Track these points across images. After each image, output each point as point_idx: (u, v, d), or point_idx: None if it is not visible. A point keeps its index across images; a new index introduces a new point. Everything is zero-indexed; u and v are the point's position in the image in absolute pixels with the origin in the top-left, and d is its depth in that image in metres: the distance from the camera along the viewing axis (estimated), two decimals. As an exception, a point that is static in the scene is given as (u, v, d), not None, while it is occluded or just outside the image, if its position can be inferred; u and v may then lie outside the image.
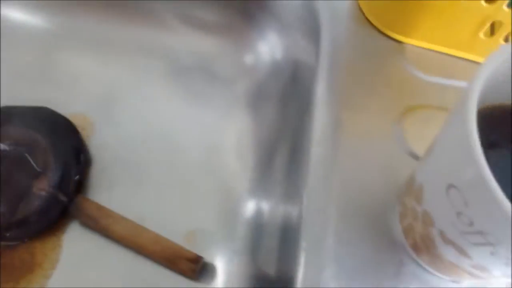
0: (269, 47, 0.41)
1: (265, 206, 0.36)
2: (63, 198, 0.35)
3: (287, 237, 0.32)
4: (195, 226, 0.37)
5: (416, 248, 0.26)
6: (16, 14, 0.44)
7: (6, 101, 0.39)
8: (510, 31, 0.31)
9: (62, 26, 0.44)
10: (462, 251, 0.21)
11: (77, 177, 0.37)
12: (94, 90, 0.42)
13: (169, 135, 0.40)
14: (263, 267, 0.34)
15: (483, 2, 0.29)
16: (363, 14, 0.34)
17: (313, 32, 0.35)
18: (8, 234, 0.35)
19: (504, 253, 0.18)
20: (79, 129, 0.40)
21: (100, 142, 0.40)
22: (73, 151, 0.37)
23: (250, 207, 0.37)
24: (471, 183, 0.18)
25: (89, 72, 0.43)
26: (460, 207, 0.19)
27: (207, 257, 0.36)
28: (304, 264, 0.27)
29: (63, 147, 0.37)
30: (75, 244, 0.36)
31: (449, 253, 0.23)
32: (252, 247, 0.35)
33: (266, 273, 0.33)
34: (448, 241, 0.22)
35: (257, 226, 0.36)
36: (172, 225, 0.37)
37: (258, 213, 0.37)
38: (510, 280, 0.26)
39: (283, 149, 0.37)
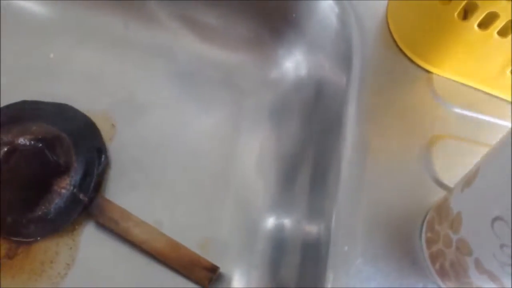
0: (295, 64, 0.42)
1: (286, 222, 0.37)
2: (83, 197, 0.35)
3: (309, 254, 0.32)
4: (211, 235, 0.38)
5: (443, 273, 0.27)
6: (41, 9, 0.44)
7: (24, 96, 0.39)
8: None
9: (85, 24, 0.44)
10: (495, 278, 0.22)
11: (97, 177, 0.37)
12: (116, 91, 0.42)
13: (190, 142, 0.41)
14: (283, 283, 0.34)
15: (515, 42, 0.31)
16: (394, 41, 0.35)
17: (344, 54, 0.36)
18: (26, 231, 0.34)
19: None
20: (102, 129, 0.40)
21: (120, 143, 0.40)
22: (95, 151, 0.37)
23: (270, 221, 0.38)
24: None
25: (112, 72, 0.43)
26: (505, 239, 0.20)
27: (222, 267, 0.36)
28: (332, 282, 0.28)
29: (85, 147, 0.37)
30: (91, 245, 0.36)
31: (481, 282, 0.23)
32: (271, 262, 0.36)
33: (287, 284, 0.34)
34: (483, 270, 0.23)
35: (277, 242, 0.36)
36: (188, 232, 0.37)
37: (279, 229, 0.37)
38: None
39: (305, 166, 0.37)
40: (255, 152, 0.40)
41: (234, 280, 0.36)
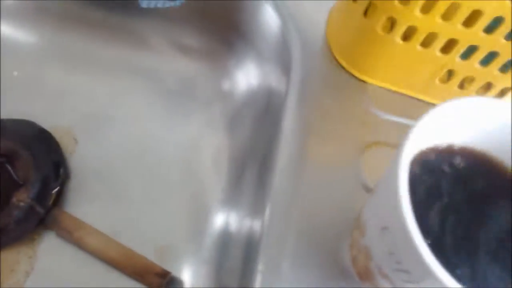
0: (245, 74, 0.43)
1: (233, 221, 0.39)
2: (40, 209, 0.37)
3: (250, 253, 0.34)
4: (166, 241, 0.39)
5: (361, 276, 0.28)
6: (5, 29, 0.45)
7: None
8: (463, 78, 0.34)
9: (51, 42, 0.46)
10: (394, 283, 0.23)
11: (56, 190, 0.39)
12: (79, 106, 0.44)
13: (149, 152, 0.42)
14: (226, 280, 0.36)
15: (437, 52, 0.32)
16: (333, 53, 0.37)
17: (285, 64, 0.37)
18: (-14, 242, 0.36)
19: (415, 279, 0.21)
20: (61, 143, 0.41)
21: (81, 156, 0.42)
22: (53, 165, 0.39)
23: (219, 221, 0.40)
24: (398, 228, 0.20)
25: (75, 89, 0.44)
26: (391, 247, 0.22)
27: (175, 270, 0.38)
28: (260, 282, 0.29)
29: (43, 161, 0.39)
30: (49, 254, 0.38)
31: (385, 283, 0.25)
32: (218, 259, 0.38)
33: (228, 286, 0.36)
34: (384, 275, 0.24)
35: (224, 240, 0.38)
36: (144, 240, 0.39)
37: (226, 228, 0.39)
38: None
39: (252, 170, 0.39)
40: (209, 159, 0.42)
41: (186, 283, 0.38)
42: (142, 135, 0.43)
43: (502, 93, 0.34)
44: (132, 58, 0.46)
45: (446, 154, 0.24)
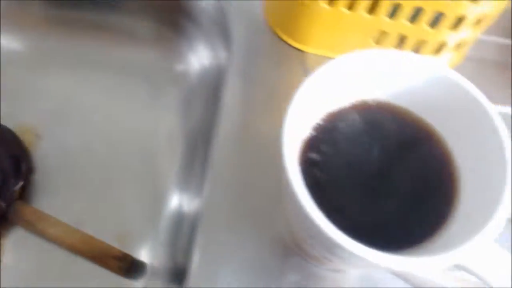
0: (197, 56, 0.44)
1: (185, 201, 0.39)
2: (1, 203, 0.38)
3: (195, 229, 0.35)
4: (126, 227, 0.40)
5: (295, 243, 0.29)
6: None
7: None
8: (397, 37, 0.33)
9: (11, 42, 0.47)
10: (309, 244, 0.24)
11: (19, 184, 0.40)
12: (40, 103, 0.45)
13: (108, 142, 0.44)
14: (180, 258, 0.37)
15: (364, 13, 0.32)
16: (270, 25, 0.37)
17: (226, 42, 0.37)
18: (-49, 238, 0.38)
19: (324, 243, 0.21)
20: (25, 140, 0.43)
21: (44, 152, 0.43)
22: (13, 160, 0.40)
23: (173, 203, 0.41)
24: (288, 185, 0.20)
25: (35, 86, 0.46)
26: (291, 204, 0.22)
27: (136, 254, 0.38)
28: (199, 258, 0.30)
29: (4, 157, 0.40)
30: (16, 247, 0.39)
31: (306, 246, 0.25)
32: (170, 243, 0.38)
33: (180, 266, 0.36)
34: (300, 236, 0.24)
35: (178, 220, 0.39)
36: (106, 227, 0.40)
37: (179, 209, 0.40)
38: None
39: (203, 150, 0.39)
40: (164, 142, 0.43)
41: (148, 266, 0.39)
42: (101, 125, 0.44)
43: (438, 50, 0.34)
44: (88, 51, 0.47)
45: (358, 109, 0.24)
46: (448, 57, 0.35)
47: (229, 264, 0.29)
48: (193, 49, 0.44)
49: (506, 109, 0.35)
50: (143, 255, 0.39)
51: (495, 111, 0.20)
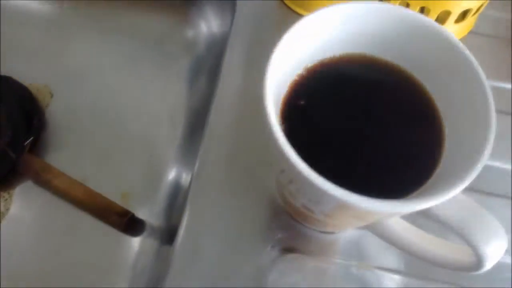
0: (206, 22, 0.44)
1: (183, 172, 0.40)
2: (12, 154, 0.40)
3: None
4: (129, 187, 0.41)
5: (282, 199, 0.29)
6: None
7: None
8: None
9: (29, 3, 0.49)
10: (289, 192, 0.24)
11: (30, 139, 0.42)
12: (55, 64, 0.47)
13: (117, 105, 0.45)
14: (173, 224, 0.38)
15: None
16: (277, -8, 0.37)
17: (233, 7, 0.38)
18: (-37, 185, 0.40)
19: (300, 188, 0.21)
20: (38, 97, 0.44)
21: (56, 110, 0.44)
22: (26, 115, 0.42)
23: (172, 172, 0.41)
24: (266, 126, 0.21)
25: (50, 47, 0.47)
26: (271, 148, 0.22)
27: (138, 214, 0.40)
28: (189, 216, 0.30)
29: (16, 111, 0.42)
30: (23, 197, 0.41)
31: (289, 198, 0.26)
32: (167, 208, 0.39)
33: (174, 229, 0.37)
34: (283, 186, 0.25)
35: (175, 190, 0.40)
36: (110, 185, 0.41)
37: (177, 178, 0.41)
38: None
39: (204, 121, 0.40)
40: (169, 112, 0.44)
41: (147, 224, 0.40)
42: (111, 89, 0.45)
43: (442, 20, 0.34)
44: (102, 15, 0.48)
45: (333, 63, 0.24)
46: (452, 29, 0.35)
47: (218, 223, 0.30)
48: (203, 16, 0.45)
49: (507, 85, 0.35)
50: (141, 215, 0.40)
51: (476, 62, 0.20)
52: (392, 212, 0.19)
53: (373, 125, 0.23)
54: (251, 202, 0.31)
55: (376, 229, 0.27)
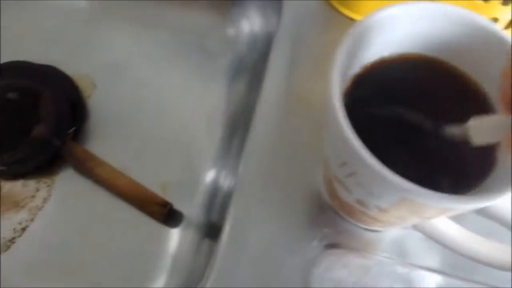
0: (249, 21, 0.45)
1: (222, 172, 0.41)
2: (57, 142, 0.41)
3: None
4: (168, 179, 0.42)
5: (330, 195, 0.30)
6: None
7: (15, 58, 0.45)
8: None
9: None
10: (344, 186, 0.25)
11: (74, 127, 0.43)
12: (98, 55, 0.48)
13: (158, 100, 0.45)
14: (213, 220, 0.38)
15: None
16: (324, -8, 0.38)
17: (279, 7, 0.38)
18: (9, 170, 0.41)
19: (362, 181, 0.22)
20: (82, 88, 0.45)
21: (99, 100, 0.45)
22: (70, 105, 0.43)
23: (211, 170, 0.42)
24: (331, 117, 0.21)
25: (95, 39, 0.48)
26: (333, 142, 0.23)
27: (176, 206, 0.40)
28: (234, 212, 0.31)
29: (62, 101, 0.43)
30: (65, 183, 0.42)
31: (341, 192, 0.26)
32: (207, 204, 0.40)
33: (215, 225, 0.38)
34: (338, 180, 0.25)
35: (214, 187, 0.41)
36: (150, 176, 0.42)
37: (216, 176, 0.41)
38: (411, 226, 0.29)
39: (246, 121, 0.41)
40: (208, 109, 0.44)
41: (185, 218, 0.40)
42: (152, 82, 0.46)
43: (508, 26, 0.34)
44: (145, 9, 0.49)
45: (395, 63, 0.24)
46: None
47: (263, 219, 0.31)
48: (246, 14, 0.45)
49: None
50: (178, 207, 0.41)
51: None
52: (459, 207, 0.19)
53: (432, 122, 0.24)
54: (296, 198, 0.31)
55: (424, 227, 0.27)
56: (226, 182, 0.39)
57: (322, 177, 0.31)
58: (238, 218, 0.31)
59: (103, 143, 0.43)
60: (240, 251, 0.30)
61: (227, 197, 0.38)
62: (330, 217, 0.31)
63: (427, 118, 0.24)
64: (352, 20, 0.37)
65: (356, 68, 0.25)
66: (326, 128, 0.24)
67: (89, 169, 0.40)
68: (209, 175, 0.42)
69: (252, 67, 0.43)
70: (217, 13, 0.46)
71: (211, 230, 0.38)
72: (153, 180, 0.42)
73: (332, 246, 0.30)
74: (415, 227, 0.28)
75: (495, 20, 0.34)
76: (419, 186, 0.19)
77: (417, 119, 0.24)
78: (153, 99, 0.46)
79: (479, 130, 0.20)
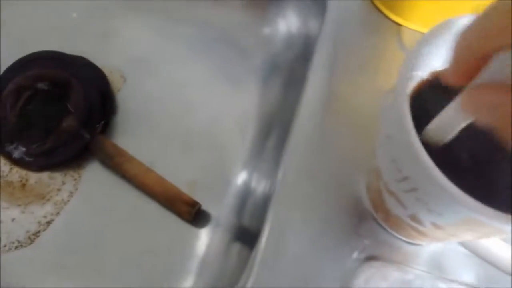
0: (285, 21, 0.44)
1: (255, 173, 0.40)
2: (86, 135, 0.40)
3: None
4: (195, 177, 0.41)
5: (374, 205, 0.29)
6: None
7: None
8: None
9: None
10: (399, 201, 0.24)
11: (103, 121, 0.42)
12: (129, 49, 0.47)
13: (186, 96, 0.45)
14: (244, 223, 0.37)
15: (476, -8, 0.31)
16: (369, -5, 0.37)
17: (321, 8, 0.37)
18: (36, 162, 0.40)
19: (424, 197, 0.21)
20: (112, 81, 0.45)
21: (127, 94, 0.45)
22: (101, 97, 0.42)
23: (242, 172, 0.41)
24: (397, 129, 0.20)
25: (126, 32, 0.47)
26: (393, 154, 0.22)
27: (204, 206, 0.40)
28: (272, 219, 0.30)
29: (93, 93, 0.42)
30: (92, 178, 0.41)
31: (393, 205, 0.25)
32: (238, 206, 0.39)
33: (246, 228, 0.37)
34: (391, 193, 0.24)
35: (245, 190, 0.40)
36: (176, 173, 0.41)
37: (248, 179, 0.40)
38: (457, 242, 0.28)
39: (280, 122, 0.40)
40: (240, 108, 0.43)
41: (212, 218, 0.40)
42: (182, 80, 0.45)
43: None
44: (179, 6, 0.48)
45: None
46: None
47: (302, 227, 0.30)
48: (283, 14, 0.44)
49: None
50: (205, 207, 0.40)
51: None
52: None
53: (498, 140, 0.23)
54: (336, 206, 0.31)
55: (470, 244, 0.26)
56: (259, 185, 0.39)
57: (366, 187, 0.30)
58: (276, 223, 0.30)
59: (130, 138, 0.43)
60: (278, 257, 0.29)
61: (261, 201, 0.37)
62: (371, 227, 0.30)
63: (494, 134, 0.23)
64: (397, 24, 0.36)
65: (422, 74, 0.24)
66: (384, 140, 0.23)
67: (118, 164, 0.40)
68: (240, 177, 0.41)
69: (287, 68, 0.42)
70: (252, 11, 0.45)
71: (242, 233, 0.37)
72: (180, 177, 0.41)
73: (372, 258, 0.29)
74: (462, 243, 0.27)
75: None
76: (491, 207, 0.18)
77: (484, 134, 0.23)
78: (181, 95, 0.45)
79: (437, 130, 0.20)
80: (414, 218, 0.24)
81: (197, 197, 0.40)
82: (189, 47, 0.47)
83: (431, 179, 0.19)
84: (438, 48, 0.22)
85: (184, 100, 0.45)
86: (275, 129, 0.41)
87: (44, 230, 0.39)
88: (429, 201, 0.21)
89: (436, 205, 0.21)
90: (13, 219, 0.39)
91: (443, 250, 0.31)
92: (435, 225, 0.23)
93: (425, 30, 0.35)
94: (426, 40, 0.22)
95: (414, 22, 0.35)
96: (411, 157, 0.19)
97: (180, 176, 0.41)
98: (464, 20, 0.22)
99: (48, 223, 0.39)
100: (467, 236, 0.25)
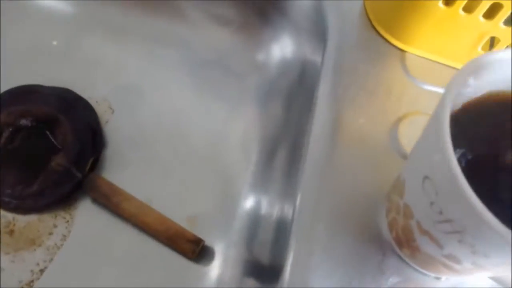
0: (280, 46, 0.43)
1: (263, 200, 0.39)
2: (77, 174, 0.38)
3: (281, 231, 0.34)
4: (197, 211, 0.39)
5: (398, 241, 0.28)
6: None
7: (26, 81, 0.42)
8: (508, 46, 0.33)
9: (89, 13, 0.46)
10: (435, 241, 0.23)
11: (93, 156, 0.40)
12: (115, 76, 0.45)
13: (180, 123, 0.43)
14: (257, 255, 0.36)
15: (480, 18, 0.31)
16: (370, 20, 0.36)
17: (321, 34, 0.37)
18: (24, 205, 0.37)
19: (469, 240, 0.20)
20: (100, 113, 0.42)
21: (116, 126, 0.42)
22: (90, 132, 0.40)
23: (249, 199, 0.39)
24: (441, 173, 0.20)
25: (111, 59, 0.45)
26: (432, 197, 0.21)
27: (206, 241, 0.38)
28: (293, 255, 0.29)
29: (82, 128, 0.40)
30: (86, 219, 0.38)
31: (425, 244, 0.24)
32: (248, 237, 0.38)
33: (260, 261, 0.36)
34: (424, 232, 0.24)
35: (254, 218, 0.38)
36: (175, 208, 0.39)
37: (256, 206, 0.39)
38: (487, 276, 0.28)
39: (285, 146, 0.39)
40: (240, 133, 0.42)
41: (217, 253, 0.38)
42: (173, 106, 0.44)
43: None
44: (167, 29, 0.46)
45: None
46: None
47: (325, 262, 0.29)
48: (277, 39, 0.43)
49: None
50: (213, 243, 0.38)
51: None
52: None
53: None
54: (356, 242, 0.30)
55: (502, 278, 0.26)
56: (272, 209, 0.37)
57: (388, 223, 0.29)
58: (298, 260, 0.29)
59: (123, 173, 0.41)
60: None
61: (275, 227, 0.36)
62: (395, 264, 0.29)
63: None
64: (400, 50, 0.35)
65: (461, 101, 0.23)
66: (421, 181, 0.22)
67: (115, 204, 0.38)
68: (248, 202, 0.39)
69: (285, 92, 0.41)
70: (246, 36, 0.44)
71: (255, 267, 0.36)
72: (179, 212, 0.39)
73: (397, 294, 0.29)
74: (493, 278, 0.27)
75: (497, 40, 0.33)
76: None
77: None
78: (175, 122, 0.43)
79: None
80: (450, 257, 0.23)
81: (200, 231, 0.38)
82: (180, 72, 0.45)
83: (484, 226, 0.18)
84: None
85: (179, 127, 0.43)
86: (280, 149, 0.39)
87: (38, 279, 0.36)
88: (476, 244, 0.20)
89: (485, 248, 0.20)
90: (2, 270, 0.36)
91: (464, 281, 0.30)
92: (476, 264, 0.22)
93: (428, 55, 0.35)
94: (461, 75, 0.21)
95: (418, 48, 0.35)
96: (461, 204, 0.19)
97: (179, 210, 0.39)
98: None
99: (42, 271, 0.36)
100: (504, 272, 0.24)
